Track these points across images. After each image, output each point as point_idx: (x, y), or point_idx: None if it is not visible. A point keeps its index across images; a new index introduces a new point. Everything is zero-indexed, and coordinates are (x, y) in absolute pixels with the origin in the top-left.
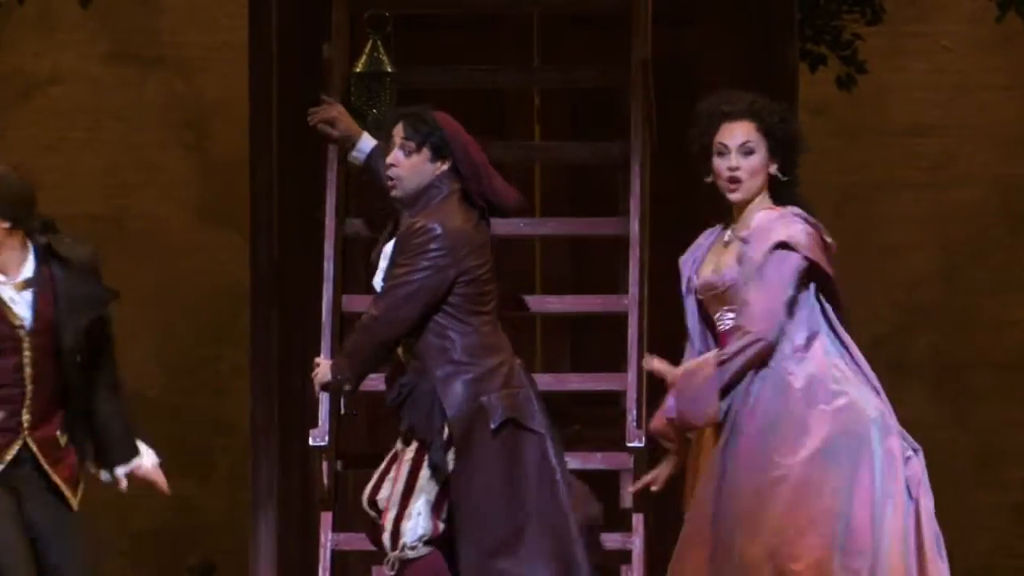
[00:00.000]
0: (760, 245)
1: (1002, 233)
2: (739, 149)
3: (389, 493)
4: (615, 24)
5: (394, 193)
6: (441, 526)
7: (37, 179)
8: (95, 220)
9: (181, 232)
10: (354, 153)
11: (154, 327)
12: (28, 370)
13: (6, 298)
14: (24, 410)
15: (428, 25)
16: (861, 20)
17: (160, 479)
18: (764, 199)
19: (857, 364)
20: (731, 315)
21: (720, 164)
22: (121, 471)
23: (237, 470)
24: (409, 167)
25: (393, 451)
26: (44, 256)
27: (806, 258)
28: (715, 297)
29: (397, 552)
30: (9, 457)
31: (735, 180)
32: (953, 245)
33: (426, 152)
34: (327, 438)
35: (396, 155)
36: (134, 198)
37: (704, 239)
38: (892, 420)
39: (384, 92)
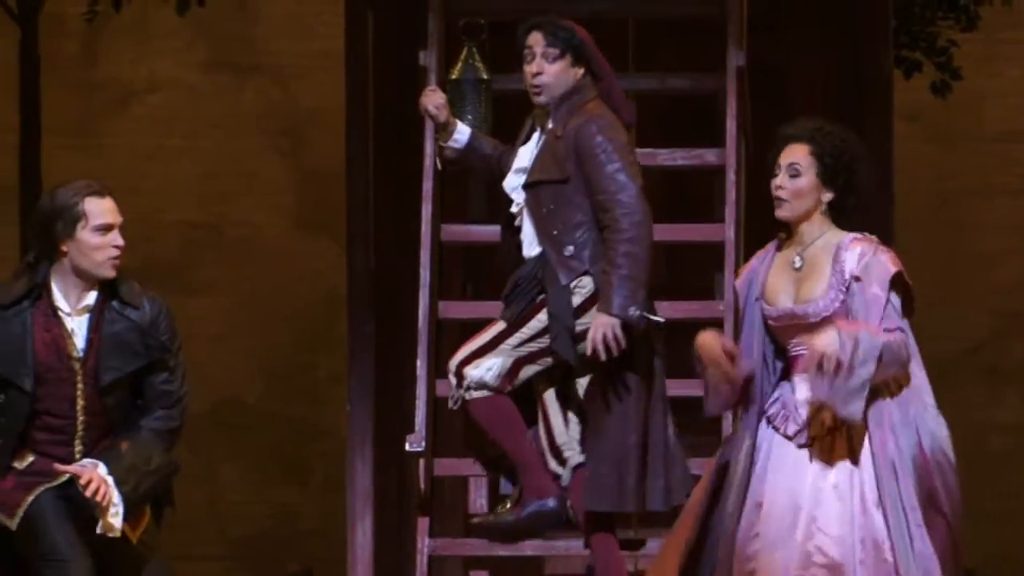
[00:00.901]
0: (879, 280)
1: None
2: (787, 169)
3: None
4: (709, 31)
5: (540, 100)
6: (508, 387)
7: (135, 186)
8: (192, 227)
9: (278, 240)
10: (451, 143)
11: (252, 334)
12: (80, 401)
13: (68, 328)
14: (76, 440)
15: None
16: (956, 27)
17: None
18: (825, 224)
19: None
20: (800, 347)
21: (772, 182)
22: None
23: (334, 476)
24: (554, 73)
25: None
26: (106, 291)
27: (909, 286)
28: (795, 326)
29: (461, 391)
30: (63, 480)
31: (778, 199)
32: None
33: (568, 57)
34: (424, 444)
35: (539, 63)
36: (231, 205)
37: (758, 262)
38: None
39: (479, 99)
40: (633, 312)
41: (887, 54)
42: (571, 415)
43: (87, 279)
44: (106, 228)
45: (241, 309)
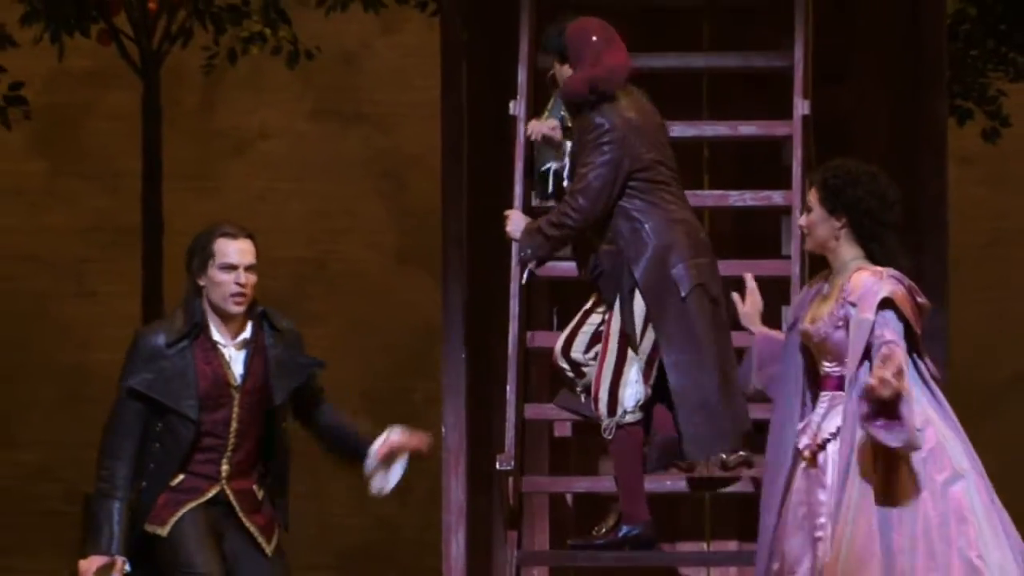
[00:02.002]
0: (870, 306)
1: None
2: (805, 207)
3: (598, 365)
4: (779, 82)
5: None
6: (649, 391)
7: (248, 225)
8: (301, 263)
9: (379, 274)
10: (565, 160)
11: (355, 361)
12: (234, 424)
13: (226, 359)
14: (224, 460)
15: None
16: (1004, 78)
17: (413, 440)
18: (851, 252)
19: (944, 410)
20: (827, 364)
21: None
22: (373, 451)
23: (432, 492)
24: (562, 78)
25: (584, 307)
26: (260, 323)
27: (903, 316)
28: (814, 346)
29: (616, 417)
30: (208, 496)
31: (801, 235)
32: None
33: (560, 60)
34: (512, 463)
35: (557, 68)
36: (336, 243)
37: (805, 291)
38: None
39: (564, 144)
40: (526, 252)
41: (942, 103)
42: (593, 348)
43: (223, 314)
44: (230, 268)
45: (345, 338)
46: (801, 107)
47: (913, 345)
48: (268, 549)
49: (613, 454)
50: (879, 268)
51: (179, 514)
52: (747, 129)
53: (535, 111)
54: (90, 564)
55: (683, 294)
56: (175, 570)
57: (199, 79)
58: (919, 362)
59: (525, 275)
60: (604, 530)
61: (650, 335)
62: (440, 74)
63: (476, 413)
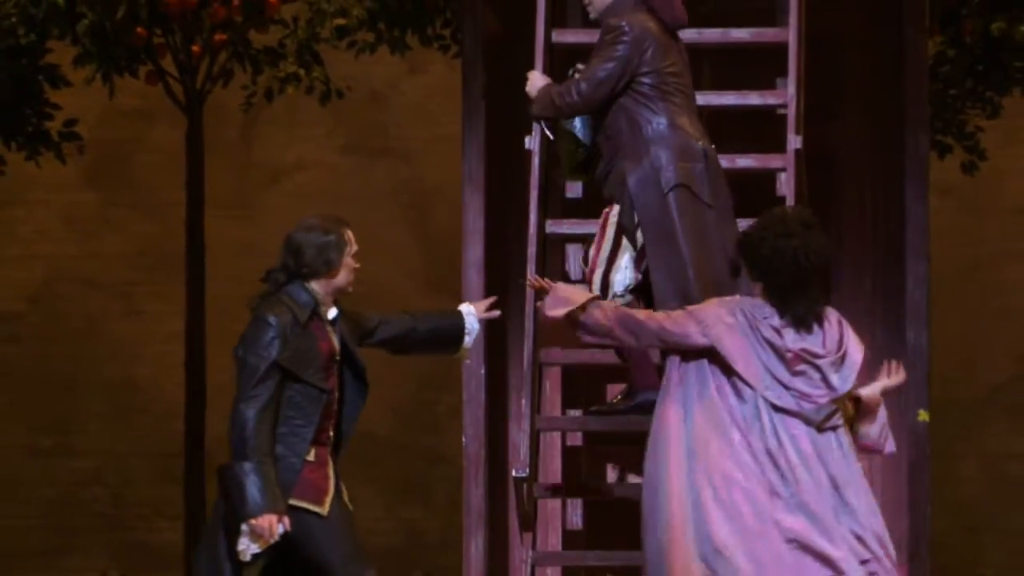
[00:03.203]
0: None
1: None
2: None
3: (596, 251)
4: (773, 118)
5: (591, 16)
6: (639, 276)
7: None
8: None
9: (406, 295)
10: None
11: (382, 375)
12: (337, 393)
13: (331, 335)
14: (332, 426)
15: None
16: (982, 115)
17: (483, 309)
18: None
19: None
20: None
21: None
22: (469, 326)
23: (453, 497)
24: None
25: (603, 214)
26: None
27: (707, 335)
28: None
29: (607, 300)
30: (333, 468)
31: None
32: None
33: None
34: (527, 470)
35: None
36: (366, 266)
37: None
38: None
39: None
40: (536, 108)
41: (924, 138)
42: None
43: (336, 294)
44: (356, 254)
45: (373, 354)
46: (794, 142)
47: (724, 369)
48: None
49: (611, 328)
50: (740, 300)
51: (331, 494)
52: (744, 162)
53: (549, 155)
54: (270, 521)
55: (665, 191)
56: (334, 556)
57: (239, 116)
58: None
59: (538, 136)
60: (620, 398)
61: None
62: (461, 111)
63: (494, 424)
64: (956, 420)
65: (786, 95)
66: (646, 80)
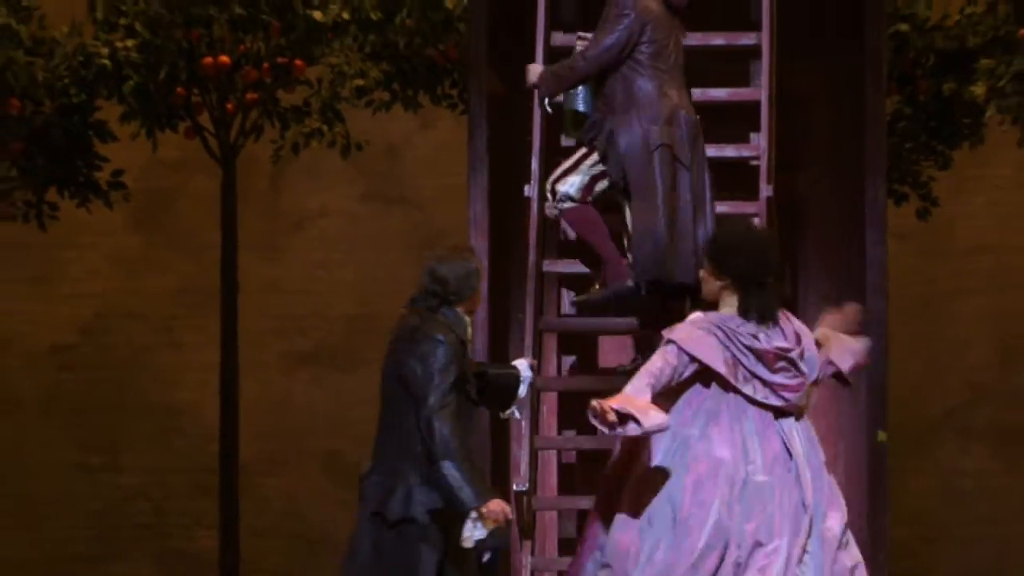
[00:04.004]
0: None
1: None
2: (703, 264)
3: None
4: (746, 168)
5: None
6: (587, 198)
7: (308, 288)
8: (353, 318)
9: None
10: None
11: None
12: None
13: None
14: None
15: None
16: (934, 166)
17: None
18: (730, 303)
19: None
20: None
21: None
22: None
23: None
24: None
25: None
26: None
27: (684, 351)
28: None
29: (555, 201)
30: None
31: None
32: (1007, 338)
33: None
34: (527, 484)
35: None
36: (382, 302)
37: None
38: None
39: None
40: (542, 88)
41: (882, 187)
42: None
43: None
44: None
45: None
46: (766, 190)
47: (724, 383)
48: None
49: (574, 229)
50: (708, 315)
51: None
52: (721, 208)
53: (545, 195)
54: (500, 504)
55: (650, 149)
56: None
57: (268, 167)
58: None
59: (544, 109)
60: (597, 288)
61: (606, 165)
62: (467, 163)
63: (498, 443)
64: (912, 440)
65: (759, 148)
66: (643, 51)
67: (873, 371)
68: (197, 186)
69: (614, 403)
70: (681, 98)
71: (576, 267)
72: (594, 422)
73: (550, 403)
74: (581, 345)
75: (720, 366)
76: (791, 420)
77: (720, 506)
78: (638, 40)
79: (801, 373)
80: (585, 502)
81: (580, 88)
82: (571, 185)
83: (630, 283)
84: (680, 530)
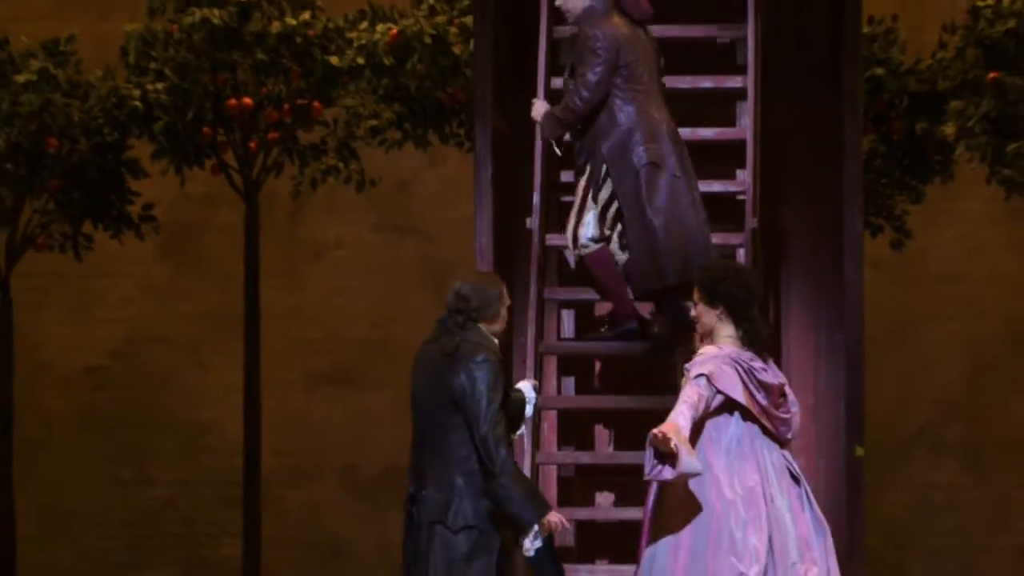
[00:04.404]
0: (691, 372)
1: (1009, 351)
2: (692, 303)
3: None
4: (733, 202)
5: (569, 19)
6: (606, 232)
7: (325, 314)
8: (366, 342)
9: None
10: None
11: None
12: None
13: None
14: None
15: None
16: (908, 200)
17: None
18: (728, 333)
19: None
20: None
21: None
22: (530, 396)
23: None
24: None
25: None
26: None
27: (713, 385)
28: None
29: (578, 249)
30: None
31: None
32: (974, 361)
33: None
34: None
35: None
36: (393, 327)
37: None
38: None
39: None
40: (544, 130)
41: (859, 220)
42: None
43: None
44: (510, 309)
45: (402, 401)
46: (751, 223)
47: (745, 413)
48: None
49: (592, 273)
50: (724, 349)
51: None
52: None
53: (546, 227)
54: (558, 516)
55: (637, 168)
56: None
57: (288, 201)
58: (747, 425)
59: (556, 151)
60: (606, 328)
61: (606, 190)
62: (473, 197)
63: None
64: (886, 455)
65: (744, 184)
66: (620, 75)
67: (851, 391)
68: (222, 219)
69: (671, 434)
70: (660, 111)
71: (575, 295)
72: (650, 450)
73: (550, 420)
74: (579, 366)
75: (743, 399)
76: (786, 450)
77: (757, 530)
78: (615, 66)
79: (791, 408)
80: (582, 513)
81: None
82: (588, 226)
83: (634, 324)
84: (722, 555)
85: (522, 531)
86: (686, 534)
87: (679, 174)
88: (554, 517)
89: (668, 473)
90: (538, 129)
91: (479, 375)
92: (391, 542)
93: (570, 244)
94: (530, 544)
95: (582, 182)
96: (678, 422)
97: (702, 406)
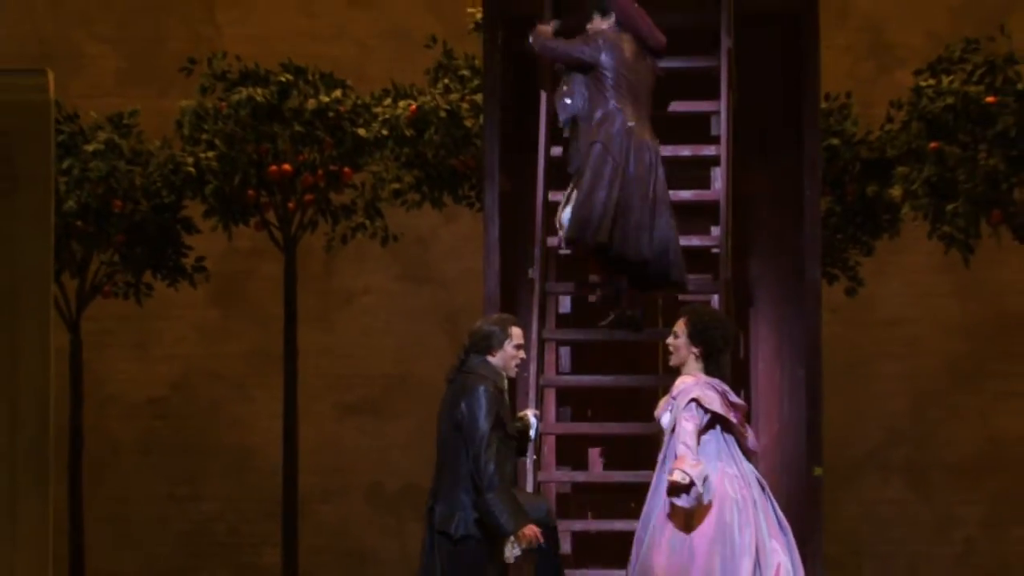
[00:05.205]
0: (682, 400)
1: (947, 385)
2: (673, 334)
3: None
4: (709, 256)
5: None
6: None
7: (353, 353)
8: (389, 377)
9: (441, 386)
10: None
11: (426, 447)
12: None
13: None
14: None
15: None
16: (860, 253)
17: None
18: (696, 368)
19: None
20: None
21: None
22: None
23: None
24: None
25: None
26: None
27: (709, 411)
28: (656, 421)
29: (562, 231)
30: None
31: (668, 351)
32: (918, 394)
33: (599, 14)
34: None
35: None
36: (413, 364)
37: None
38: None
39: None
40: (535, 39)
41: (817, 270)
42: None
43: (505, 371)
44: (519, 347)
45: (420, 430)
46: (724, 273)
47: (724, 426)
48: None
49: (590, 262)
50: (701, 376)
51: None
52: (690, 287)
53: (546, 275)
54: (533, 529)
55: (591, 145)
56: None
57: (322, 254)
58: (725, 436)
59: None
60: (609, 320)
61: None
62: (483, 251)
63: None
64: (841, 474)
65: (718, 239)
66: (604, 72)
67: (811, 419)
68: (264, 269)
69: (692, 471)
70: (633, 114)
71: (571, 335)
72: (676, 487)
73: (550, 444)
74: (575, 398)
75: (726, 414)
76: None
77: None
78: (598, 64)
79: (747, 426)
80: (578, 525)
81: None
82: (566, 214)
83: (632, 314)
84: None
85: (504, 540)
86: (697, 533)
87: (624, 165)
88: (529, 531)
89: (685, 501)
90: (531, 37)
91: (476, 403)
92: (410, 550)
93: (558, 226)
94: (510, 552)
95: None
96: (692, 457)
97: (698, 432)
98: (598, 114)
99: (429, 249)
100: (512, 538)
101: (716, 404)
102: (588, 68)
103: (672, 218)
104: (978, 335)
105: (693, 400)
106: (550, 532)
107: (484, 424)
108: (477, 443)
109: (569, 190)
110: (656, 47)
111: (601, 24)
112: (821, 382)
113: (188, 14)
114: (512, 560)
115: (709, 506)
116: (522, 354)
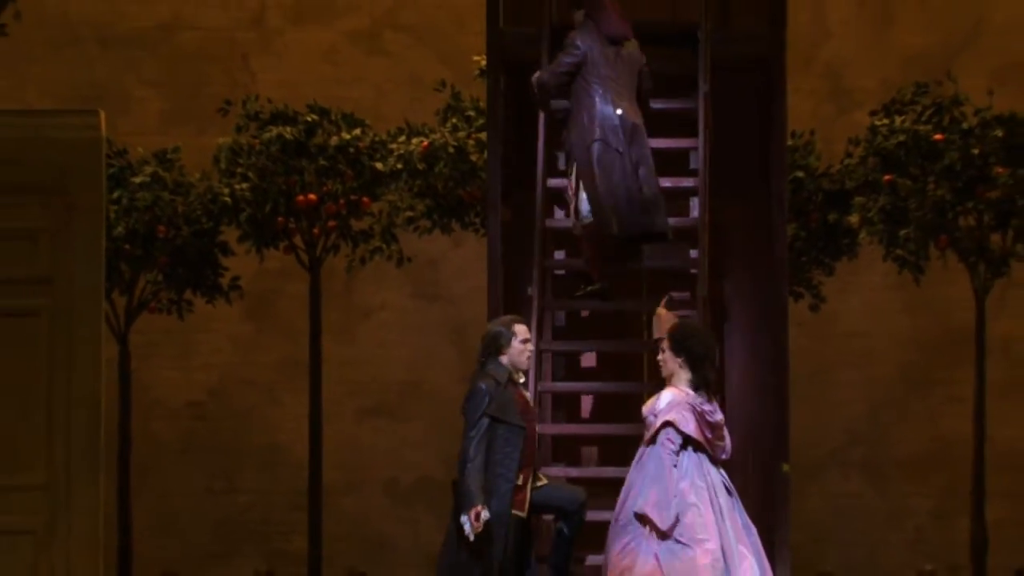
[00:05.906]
0: (659, 420)
1: (901, 391)
2: (661, 349)
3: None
4: (686, 276)
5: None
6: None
7: (370, 361)
8: (403, 383)
9: (450, 391)
10: None
11: (436, 449)
12: (529, 433)
13: (522, 391)
14: (529, 458)
15: None
16: (823, 273)
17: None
18: (685, 377)
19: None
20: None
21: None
22: None
23: None
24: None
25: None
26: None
27: (680, 432)
28: (643, 420)
29: (579, 221)
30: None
31: (658, 365)
32: (874, 399)
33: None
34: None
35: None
36: (425, 371)
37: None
38: None
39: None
40: (533, 81)
41: (784, 288)
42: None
43: (516, 367)
44: (525, 341)
45: (431, 431)
46: (702, 292)
47: (696, 446)
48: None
49: (584, 237)
50: (687, 392)
51: (527, 503)
52: (671, 305)
53: (543, 293)
54: (476, 510)
55: (588, 144)
56: (528, 544)
57: (343, 275)
58: (697, 453)
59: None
60: (581, 292)
61: (574, 170)
62: (487, 272)
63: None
64: (806, 470)
65: (696, 262)
66: (589, 76)
67: (778, 421)
68: (292, 288)
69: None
70: (620, 104)
71: (566, 347)
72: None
73: (544, 446)
74: (568, 402)
75: (696, 434)
76: (722, 469)
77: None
78: (582, 67)
79: (726, 438)
80: None
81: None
82: (584, 202)
83: (602, 285)
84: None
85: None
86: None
87: (622, 151)
88: (473, 512)
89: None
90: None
91: (470, 397)
92: (423, 538)
93: (573, 217)
94: (466, 528)
95: (572, 175)
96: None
97: (675, 455)
98: (591, 108)
99: (439, 270)
100: (464, 516)
101: (690, 426)
102: (578, 69)
103: (655, 175)
104: (927, 346)
105: (669, 424)
106: (575, 519)
107: (471, 415)
108: (464, 430)
109: (575, 181)
110: (614, 36)
111: (578, 17)
112: (788, 388)
113: (225, 61)
114: (470, 536)
115: (679, 517)
116: (531, 347)
